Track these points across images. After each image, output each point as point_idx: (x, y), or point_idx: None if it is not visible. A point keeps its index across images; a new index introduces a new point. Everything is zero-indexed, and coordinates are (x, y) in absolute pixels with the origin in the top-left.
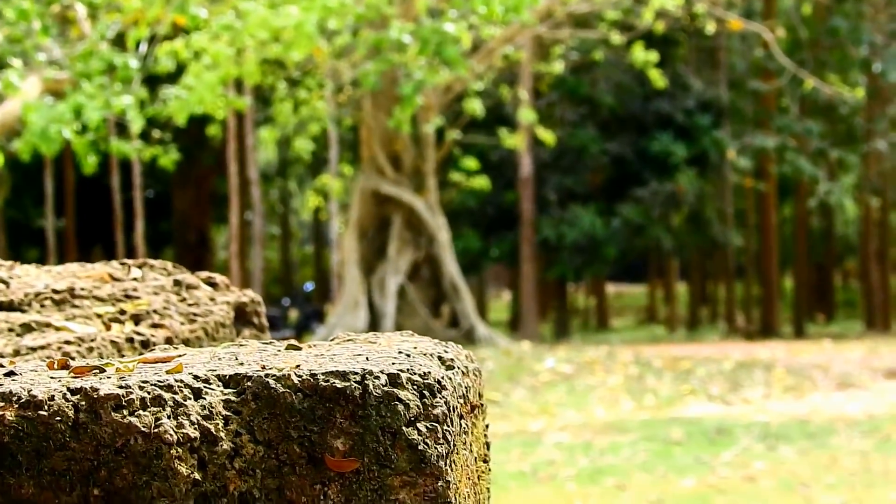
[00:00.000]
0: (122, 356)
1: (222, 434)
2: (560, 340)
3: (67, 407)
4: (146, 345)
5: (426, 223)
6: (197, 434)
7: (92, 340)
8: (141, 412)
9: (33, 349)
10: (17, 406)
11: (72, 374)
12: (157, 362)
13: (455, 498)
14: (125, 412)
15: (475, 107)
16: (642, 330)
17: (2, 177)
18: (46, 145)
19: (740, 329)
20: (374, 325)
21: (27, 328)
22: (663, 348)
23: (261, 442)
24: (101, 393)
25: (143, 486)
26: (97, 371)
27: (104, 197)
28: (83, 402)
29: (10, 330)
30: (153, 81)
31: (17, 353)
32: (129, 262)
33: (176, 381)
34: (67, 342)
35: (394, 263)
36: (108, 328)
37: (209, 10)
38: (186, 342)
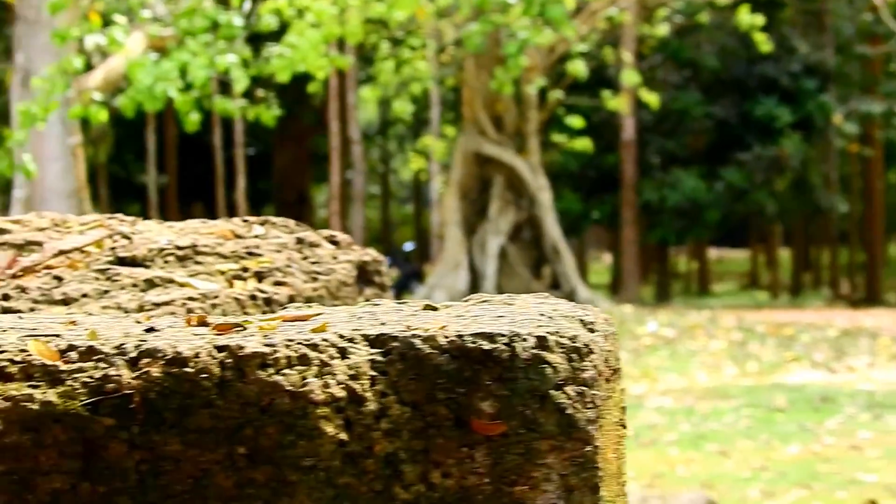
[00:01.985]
0: (246, 314)
1: (369, 394)
2: (661, 304)
3: (213, 364)
4: (269, 303)
5: (527, 184)
6: (343, 394)
7: (215, 297)
8: (287, 371)
9: (157, 305)
10: (162, 363)
11: (214, 331)
12: (296, 321)
13: (601, 463)
14: (271, 370)
15: (578, 68)
16: (744, 295)
17: (105, 133)
18: (151, 102)
19: (844, 296)
20: (475, 286)
21: (151, 284)
22: (766, 314)
23: (407, 403)
24: (248, 351)
25: (288, 446)
26: (239, 328)
27: (206, 154)
28: (229, 360)
29: (134, 286)
30: (256, 40)
31: (141, 308)
32: (252, 219)
33: (322, 340)
34: (191, 298)
35: (495, 224)
36: (231, 285)
37: None
38: (309, 301)
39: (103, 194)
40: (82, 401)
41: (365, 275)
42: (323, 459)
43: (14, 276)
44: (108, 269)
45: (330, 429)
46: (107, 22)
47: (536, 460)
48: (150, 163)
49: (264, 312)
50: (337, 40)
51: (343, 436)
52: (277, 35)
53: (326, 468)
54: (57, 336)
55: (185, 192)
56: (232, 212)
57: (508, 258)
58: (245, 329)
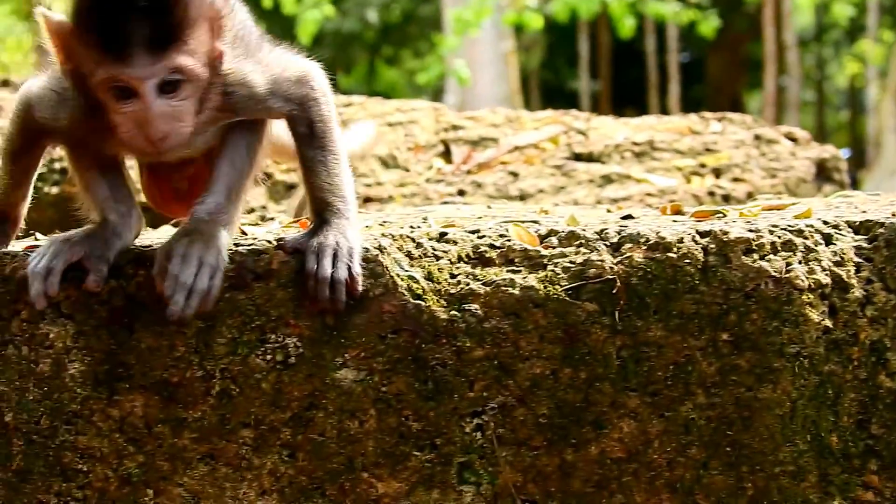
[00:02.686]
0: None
1: (853, 281)
2: None
3: (696, 250)
4: (727, 198)
5: None
6: (828, 280)
7: (673, 193)
8: (772, 256)
9: (615, 200)
10: (645, 248)
11: (694, 218)
12: (774, 209)
13: None
14: (755, 256)
15: None
16: None
17: (537, 39)
18: (584, 7)
19: None
20: None
21: (607, 180)
22: None
23: (892, 290)
24: (732, 236)
25: (772, 332)
26: (719, 215)
27: (638, 60)
28: (713, 245)
29: (591, 181)
30: None
31: (598, 203)
32: (709, 115)
33: (806, 226)
34: (649, 194)
35: None
36: (689, 181)
37: None
38: (764, 196)
39: (535, 100)
40: (564, 286)
41: (823, 171)
42: (807, 346)
43: (469, 172)
44: (564, 164)
45: (814, 315)
46: None
47: None
48: (583, 69)
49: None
50: None
51: (828, 323)
52: None
53: (810, 355)
54: (535, 222)
55: (617, 99)
56: None
57: None
58: (725, 216)
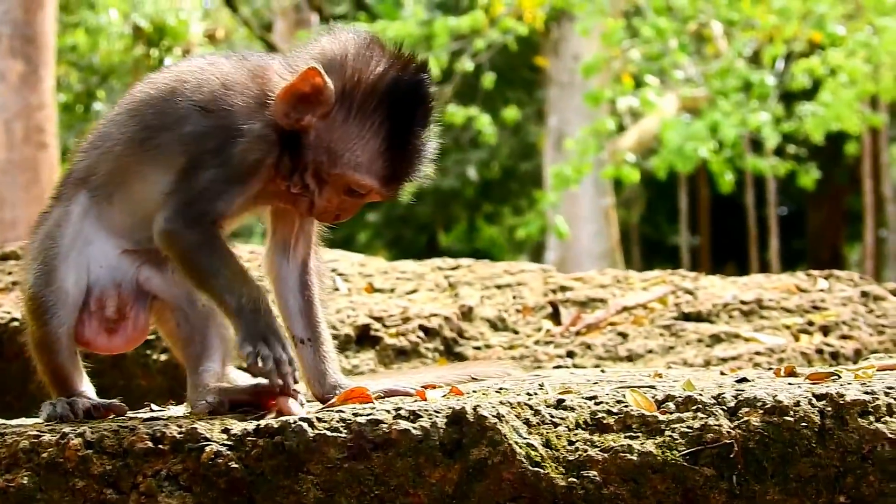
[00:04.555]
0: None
1: None
2: None
3: (813, 413)
4: (835, 356)
5: None
6: None
7: (782, 351)
8: (888, 418)
9: (723, 360)
10: (762, 412)
11: (809, 381)
12: (887, 369)
13: None
14: (871, 418)
15: None
16: None
17: (637, 194)
18: (682, 163)
19: None
20: None
21: (716, 339)
22: None
23: None
24: (848, 399)
25: (889, 494)
26: (834, 377)
27: (738, 214)
28: (829, 408)
29: (700, 341)
30: (788, 98)
31: (707, 363)
32: (816, 273)
33: None
34: (758, 353)
35: None
36: (797, 339)
37: (846, 27)
38: (874, 353)
39: (635, 255)
40: (681, 451)
41: None
42: None
43: (578, 333)
44: (673, 324)
45: None
46: (639, 83)
47: None
48: (683, 223)
49: (831, 366)
50: (870, 97)
51: None
52: (810, 93)
53: None
54: (651, 387)
55: (718, 253)
56: (764, 272)
57: None
58: (840, 377)
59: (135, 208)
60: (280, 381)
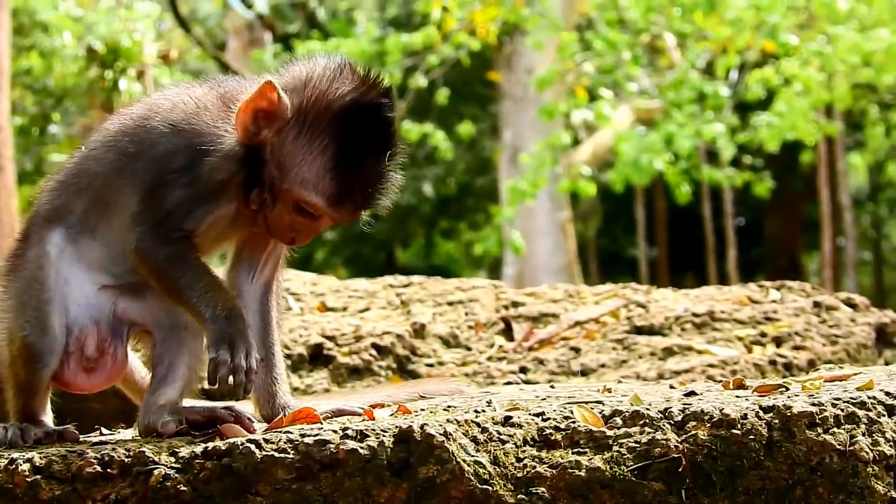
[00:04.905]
0: (765, 379)
1: None
2: None
3: (760, 425)
4: (789, 367)
5: None
6: (892, 452)
7: (735, 363)
8: (835, 429)
9: (676, 373)
10: (709, 425)
11: (756, 393)
12: (836, 380)
13: None
14: (819, 430)
15: None
16: None
17: (594, 207)
18: (638, 175)
19: None
20: None
21: (669, 352)
22: None
23: None
24: (795, 411)
25: None
26: (782, 389)
27: (695, 225)
28: (776, 421)
29: (652, 354)
30: (743, 108)
31: (660, 376)
32: (768, 284)
33: (868, 398)
34: (711, 365)
35: None
36: (750, 351)
37: (799, 37)
38: (826, 364)
39: (593, 268)
40: (630, 466)
41: (884, 336)
42: None
43: (531, 349)
44: (626, 338)
45: (880, 487)
46: (593, 96)
47: None
48: (640, 235)
49: (784, 377)
50: (825, 106)
51: (893, 494)
52: (765, 103)
53: None
54: (599, 402)
55: (676, 264)
56: (723, 282)
57: None
58: (787, 389)
59: (115, 240)
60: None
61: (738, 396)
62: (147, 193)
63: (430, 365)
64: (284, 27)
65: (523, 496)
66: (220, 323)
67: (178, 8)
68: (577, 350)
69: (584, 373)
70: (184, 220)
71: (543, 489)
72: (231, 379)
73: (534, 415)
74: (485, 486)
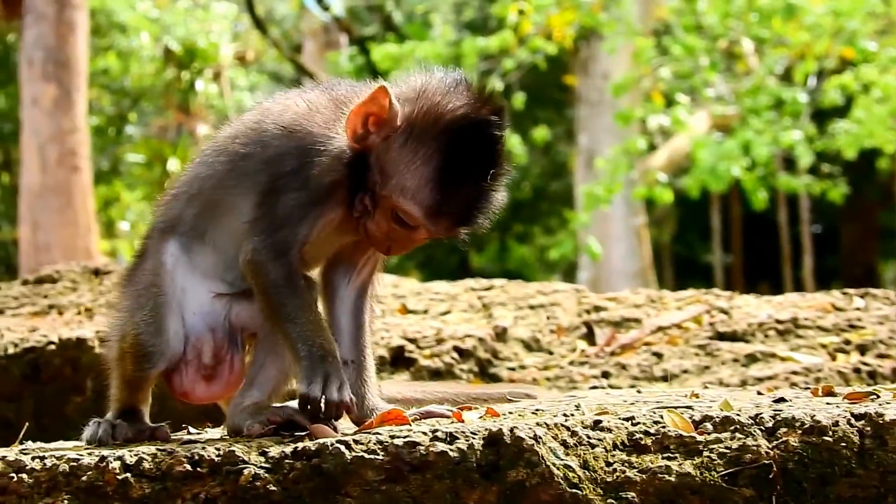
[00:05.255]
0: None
1: None
2: None
3: (852, 433)
4: (873, 375)
5: None
6: None
7: (819, 371)
8: None
9: (759, 380)
10: (800, 432)
11: (847, 400)
12: None
13: None
14: None
15: None
16: None
17: (669, 212)
18: (715, 182)
19: None
20: None
21: (752, 359)
22: None
23: None
24: (887, 418)
25: None
26: (873, 396)
27: (770, 232)
28: (868, 428)
29: (735, 360)
30: (821, 115)
31: (743, 383)
32: (851, 291)
33: None
34: (794, 372)
35: None
36: (834, 358)
37: (878, 43)
38: None
39: (668, 274)
40: (720, 472)
41: None
42: None
43: (613, 354)
44: (708, 344)
45: None
46: (669, 102)
47: None
48: (715, 241)
49: (868, 385)
50: None
51: None
52: (842, 110)
53: None
54: (688, 408)
55: (751, 271)
56: (798, 290)
57: None
58: (878, 397)
59: (227, 244)
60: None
61: (828, 403)
62: (260, 198)
63: (512, 368)
64: (360, 30)
65: (613, 500)
66: (315, 361)
67: (254, 9)
68: (659, 355)
69: (667, 378)
70: (297, 228)
71: (633, 494)
72: (323, 413)
73: (623, 419)
74: (574, 490)
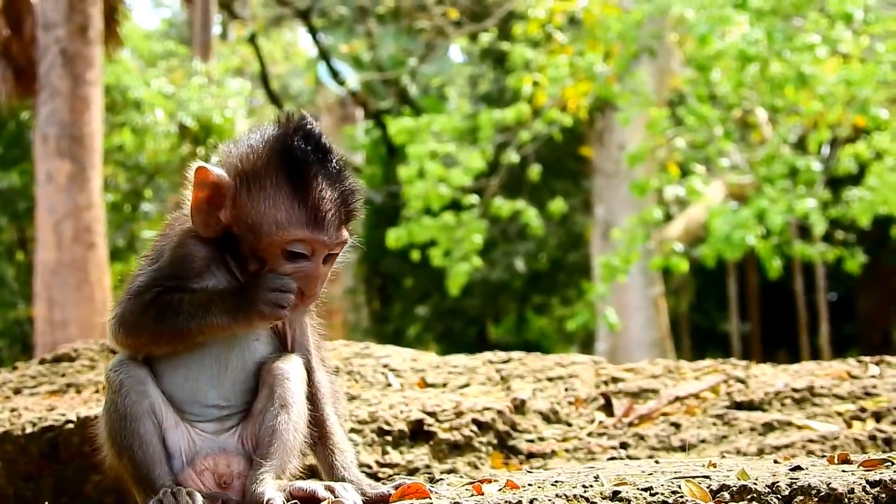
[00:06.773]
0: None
1: None
2: None
3: (868, 499)
4: (889, 442)
5: None
6: None
7: (835, 438)
8: None
9: (777, 448)
10: (816, 499)
11: (862, 468)
12: None
13: None
14: None
15: None
16: None
17: (686, 282)
18: (731, 251)
19: None
20: None
21: (769, 427)
22: None
23: None
24: None
25: None
26: (888, 464)
27: (788, 300)
28: (883, 495)
29: (752, 429)
30: (835, 183)
31: (761, 451)
32: (866, 358)
33: None
34: (811, 441)
35: None
36: (850, 426)
37: (890, 111)
38: None
39: (686, 344)
40: None
41: None
42: None
43: (631, 424)
44: (726, 413)
45: None
46: (685, 172)
47: None
48: (733, 310)
49: (884, 452)
50: None
51: None
52: (856, 178)
53: None
54: (706, 477)
55: (768, 339)
56: (815, 358)
57: None
58: (894, 464)
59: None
60: None
61: (843, 471)
62: None
63: (531, 441)
64: (376, 103)
65: None
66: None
67: (269, 84)
68: (677, 425)
69: (685, 448)
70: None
71: None
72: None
73: (641, 489)
74: None
